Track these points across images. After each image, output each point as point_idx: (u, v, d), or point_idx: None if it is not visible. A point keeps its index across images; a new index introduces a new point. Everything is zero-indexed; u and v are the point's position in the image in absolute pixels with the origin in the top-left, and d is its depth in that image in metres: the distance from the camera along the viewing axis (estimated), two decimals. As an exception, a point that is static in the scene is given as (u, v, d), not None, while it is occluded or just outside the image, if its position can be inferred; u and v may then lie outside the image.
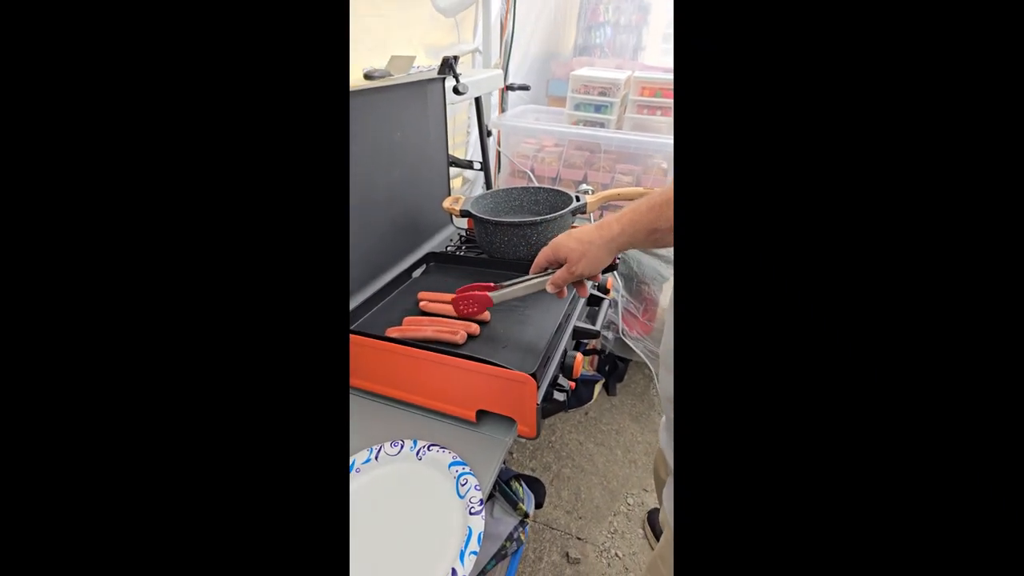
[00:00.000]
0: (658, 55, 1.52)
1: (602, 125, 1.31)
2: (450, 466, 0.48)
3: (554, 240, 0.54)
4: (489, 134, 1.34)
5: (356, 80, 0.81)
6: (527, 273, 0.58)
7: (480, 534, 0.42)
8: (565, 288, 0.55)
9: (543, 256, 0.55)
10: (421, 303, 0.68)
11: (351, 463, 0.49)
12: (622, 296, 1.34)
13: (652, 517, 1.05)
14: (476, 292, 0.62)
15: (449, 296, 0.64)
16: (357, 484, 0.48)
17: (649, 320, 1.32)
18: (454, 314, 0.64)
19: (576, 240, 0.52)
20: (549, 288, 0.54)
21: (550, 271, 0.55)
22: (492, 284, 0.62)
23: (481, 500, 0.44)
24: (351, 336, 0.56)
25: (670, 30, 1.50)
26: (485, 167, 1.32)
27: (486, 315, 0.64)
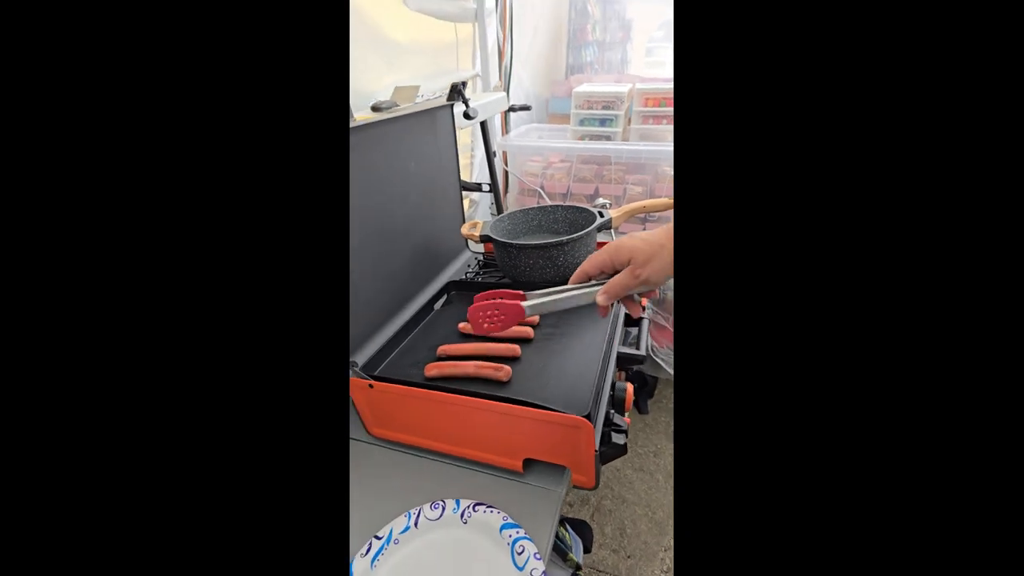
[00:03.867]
0: (641, 67, 1.56)
1: (608, 138, 1.28)
2: (502, 530, 0.42)
3: (613, 242, 0.43)
4: (494, 155, 1.32)
5: (365, 113, 0.79)
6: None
7: (549, 617, 0.35)
8: (611, 306, 0.44)
9: (594, 263, 0.44)
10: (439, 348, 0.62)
11: (388, 533, 0.43)
12: (649, 308, 1.28)
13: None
14: (502, 301, 0.47)
15: (470, 347, 0.59)
16: (397, 558, 0.42)
17: (678, 331, 1.25)
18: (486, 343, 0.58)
19: (643, 240, 0.42)
20: (600, 299, 0.43)
21: (594, 283, 0.45)
22: (521, 292, 0.48)
23: (544, 573, 0.38)
24: (375, 383, 0.51)
25: (651, 44, 1.56)
26: (494, 188, 1.30)
27: (529, 331, 0.56)
